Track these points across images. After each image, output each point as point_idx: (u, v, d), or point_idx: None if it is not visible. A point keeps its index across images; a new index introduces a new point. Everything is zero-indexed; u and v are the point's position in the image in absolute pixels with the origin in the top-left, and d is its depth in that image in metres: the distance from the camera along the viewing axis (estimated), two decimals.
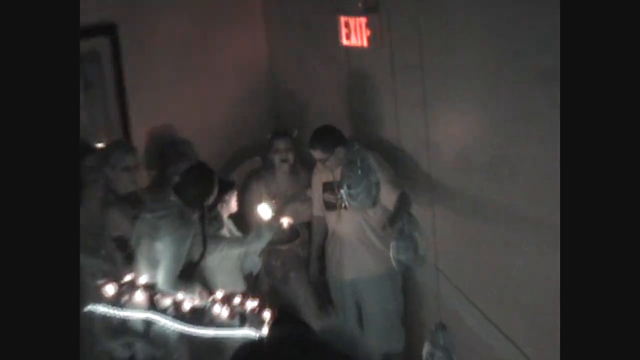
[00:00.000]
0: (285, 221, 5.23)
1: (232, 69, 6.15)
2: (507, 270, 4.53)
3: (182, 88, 5.92)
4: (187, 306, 4.48)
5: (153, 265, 4.65)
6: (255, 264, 5.30)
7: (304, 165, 5.78)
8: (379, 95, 5.33)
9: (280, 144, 5.65)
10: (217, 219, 4.99)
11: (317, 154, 5.21)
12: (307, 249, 5.77)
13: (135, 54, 5.66)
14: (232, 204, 5.06)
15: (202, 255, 4.76)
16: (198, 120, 5.97)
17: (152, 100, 5.79)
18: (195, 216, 4.71)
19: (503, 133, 4.37)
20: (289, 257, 5.73)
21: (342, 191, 4.19)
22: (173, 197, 4.72)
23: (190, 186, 4.73)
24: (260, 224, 5.15)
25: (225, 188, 4.96)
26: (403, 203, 4.78)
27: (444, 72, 4.61)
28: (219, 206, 4.97)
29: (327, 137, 5.18)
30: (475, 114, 4.53)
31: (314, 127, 5.30)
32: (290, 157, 5.66)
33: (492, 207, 4.57)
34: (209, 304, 4.46)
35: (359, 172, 4.12)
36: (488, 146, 4.48)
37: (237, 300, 4.38)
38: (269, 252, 5.53)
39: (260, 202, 5.40)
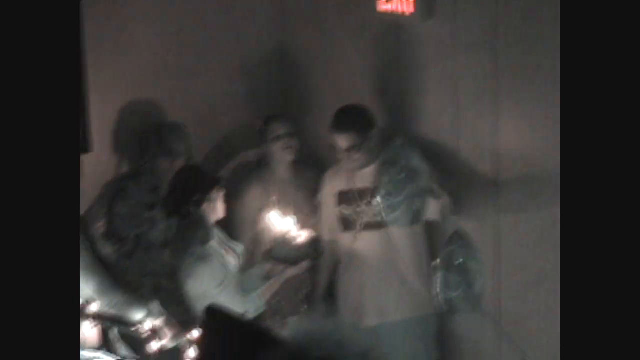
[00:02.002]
0: (305, 233, 4.08)
1: (224, 34, 4.92)
2: None
3: (162, 54, 4.75)
4: (154, 346, 3.62)
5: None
6: (256, 283, 4.13)
7: (310, 166, 4.67)
8: (430, 81, 4.22)
9: (280, 128, 4.52)
10: (202, 224, 3.92)
11: (344, 139, 4.05)
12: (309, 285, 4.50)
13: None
14: (219, 206, 4.02)
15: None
16: (177, 99, 4.78)
17: (119, 64, 4.60)
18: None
19: None
20: (294, 290, 4.43)
21: (373, 201, 3.69)
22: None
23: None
24: (273, 245, 4.10)
25: (212, 184, 3.98)
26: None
27: (520, 52, 3.73)
28: (204, 206, 3.93)
29: (360, 117, 4.02)
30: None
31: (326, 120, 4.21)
32: (295, 143, 4.52)
33: None
34: (184, 345, 3.61)
35: (402, 175, 3.57)
36: None
37: None
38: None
39: (258, 208, 4.37)
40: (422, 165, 3.59)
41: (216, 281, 3.87)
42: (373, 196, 4.01)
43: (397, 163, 3.52)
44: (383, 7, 4.20)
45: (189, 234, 3.89)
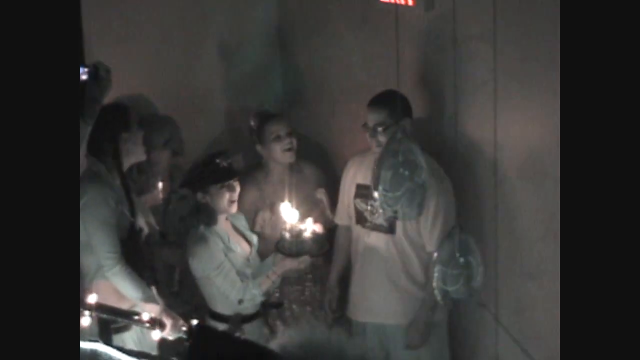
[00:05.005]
0: (310, 228, 4.05)
1: (227, 28, 4.92)
2: None
3: (160, 46, 4.73)
4: (154, 335, 3.66)
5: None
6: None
7: (309, 162, 4.64)
8: (430, 74, 4.22)
9: (280, 128, 4.40)
10: (208, 207, 4.02)
11: (374, 115, 4.03)
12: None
13: None
14: (229, 197, 4.06)
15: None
16: (171, 93, 4.76)
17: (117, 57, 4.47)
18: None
19: None
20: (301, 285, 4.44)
21: (375, 197, 3.47)
22: None
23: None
24: (280, 237, 4.10)
25: (225, 174, 4.03)
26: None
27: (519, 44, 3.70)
28: (212, 192, 4.03)
29: (396, 99, 3.90)
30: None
31: (327, 114, 4.32)
32: (294, 142, 4.43)
33: None
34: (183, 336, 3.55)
35: (401, 169, 3.38)
36: None
37: None
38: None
39: (253, 210, 4.39)
40: (421, 159, 3.47)
41: (214, 263, 3.95)
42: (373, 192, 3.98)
43: (395, 158, 3.37)
44: None
45: (197, 214, 4.00)
